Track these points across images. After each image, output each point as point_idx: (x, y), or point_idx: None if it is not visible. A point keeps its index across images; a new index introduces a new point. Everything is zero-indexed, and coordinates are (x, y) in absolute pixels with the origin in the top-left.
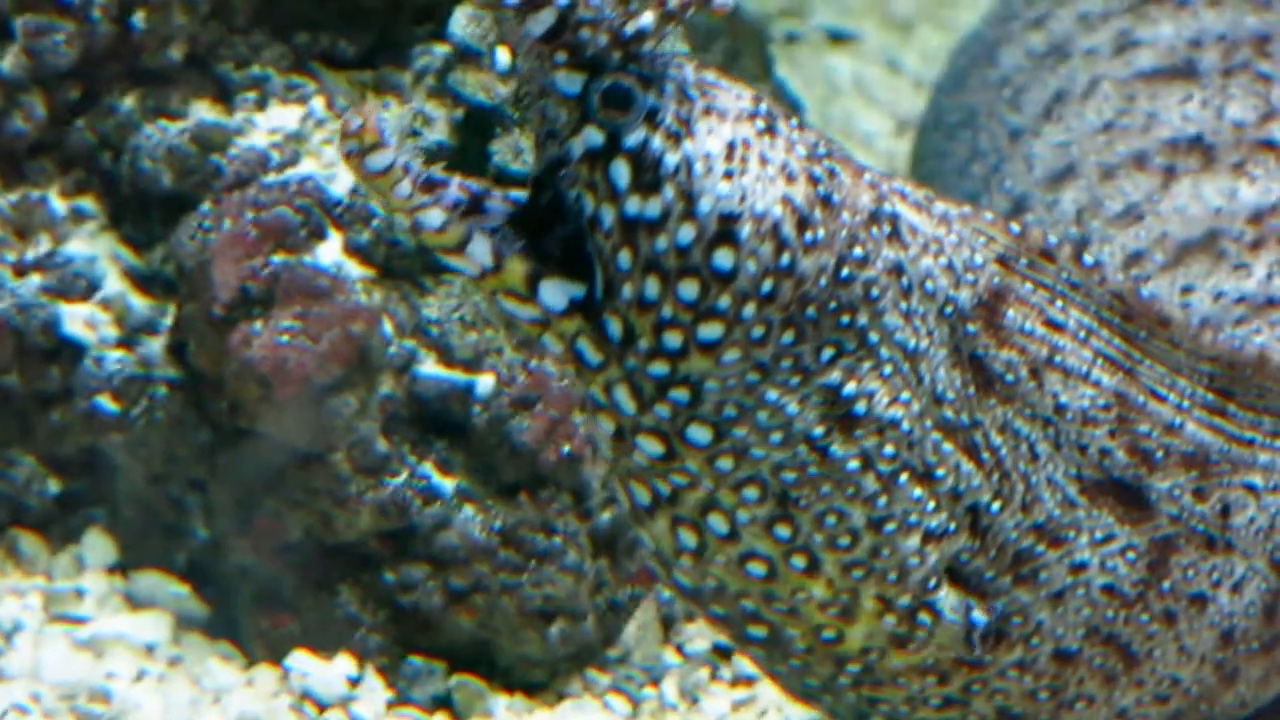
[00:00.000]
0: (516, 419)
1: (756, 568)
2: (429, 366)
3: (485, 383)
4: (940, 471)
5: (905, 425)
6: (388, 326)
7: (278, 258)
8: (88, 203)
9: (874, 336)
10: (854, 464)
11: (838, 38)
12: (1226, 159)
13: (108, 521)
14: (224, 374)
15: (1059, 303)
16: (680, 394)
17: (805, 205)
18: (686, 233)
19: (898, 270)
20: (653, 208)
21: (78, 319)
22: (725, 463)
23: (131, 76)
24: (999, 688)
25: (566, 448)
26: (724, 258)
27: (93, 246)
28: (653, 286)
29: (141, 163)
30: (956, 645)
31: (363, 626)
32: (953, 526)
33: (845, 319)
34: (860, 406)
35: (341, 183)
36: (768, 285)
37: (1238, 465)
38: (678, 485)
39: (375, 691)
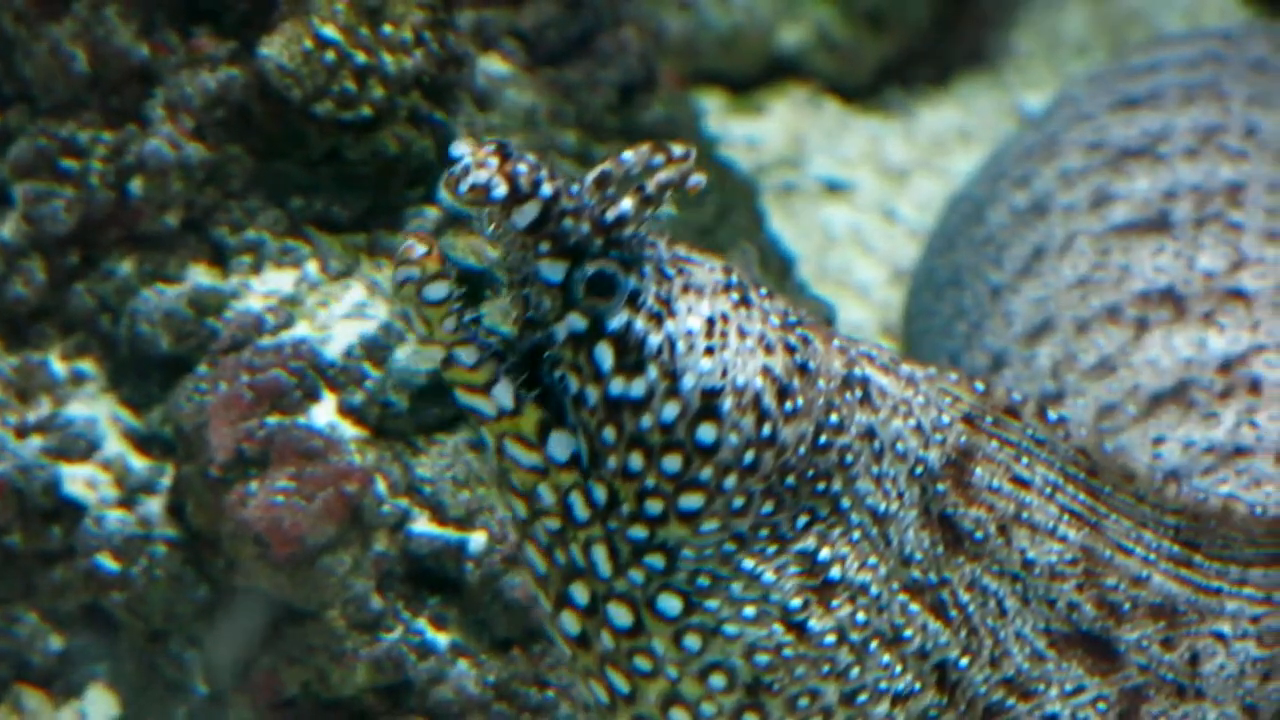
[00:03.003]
0: (508, 575)
1: None
2: (422, 524)
3: (477, 540)
4: (908, 632)
5: (874, 590)
6: (381, 486)
7: (272, 419)
8: (87, 365)
9: (846, 502)
10: (830, 638)
11: (834, 188)
12: (1197, 309)
13: (109, 677)
14: (221, 533)
15: (1025, 459)
16: (655, 559)
17: (784, 375)
18: (670, 410)
19: (870, 434)
20: (637, 388)
21: (78, 479)
22: (693, 641)
23: (129, 241)
24: None
25: None
26: (707, 432)
27: (93, 408)
28: (637, 460)
29: (140, 326)
30: None
31: None
32: (918, 686)
33: (821, 486)
34: (835, 572)
35: (335, 345)
36: (749, 456)
37: (1205, 614)
38: (640, 672)
39: None
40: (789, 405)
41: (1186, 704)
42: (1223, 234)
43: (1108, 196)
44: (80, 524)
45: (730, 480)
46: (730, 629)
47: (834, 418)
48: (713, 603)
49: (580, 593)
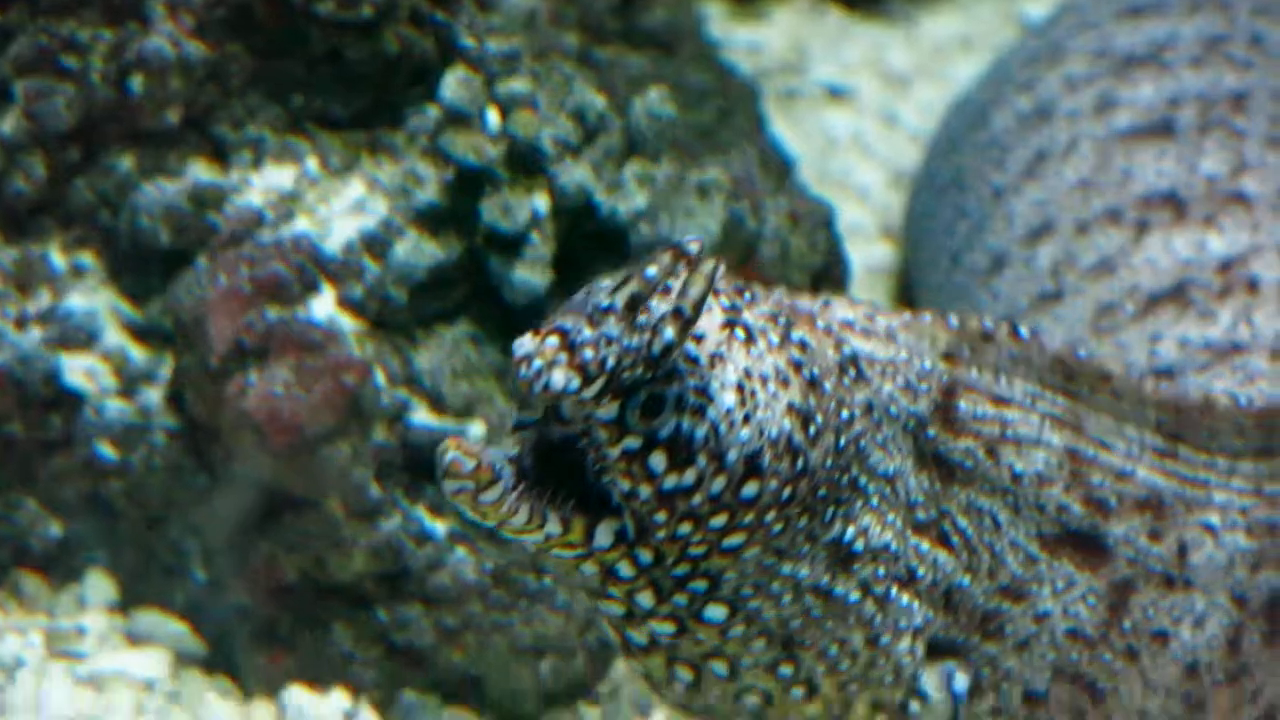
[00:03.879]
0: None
1: (753, 700)
2: (421, 415)
3: (476, 430)
4: (921, 571)
5: (893, 545)
6: (380, 377)
7: (272, 312)
8: (87, 258)
9: (863, 480)
10: (855, 595)
11: (835, 93)
12: (1197, 211)
13: (108, 563)
14: (220, 423)
15: (1003, 378)
16: (699, 585)
17: (803, 402)
18: (718, 484)
19: (869, 408)
20: (688, 478)
21: (78, 370)
22: (737, 630)
23: (130, 137)
24: None
25: None
26: (751, 489)
27: (92, 300)
28: (685, 529)
29: (140, 220)
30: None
31: (357, 663)
32: (932, 615)
33: (844, 479)
34: (859, 545)
35: (335, 239)
36: (787, 492)
37: (1193, 506)
38: (683, 653)
39: None
40: (812, 430)
41: (1175, 594)
42: (1226, 139)
43: (1112, 102)
44: (80, 413)
45: (770, 516)
46: (769, 614)
47: (845, 413)
48: (755, 603)
49: (619, 610)
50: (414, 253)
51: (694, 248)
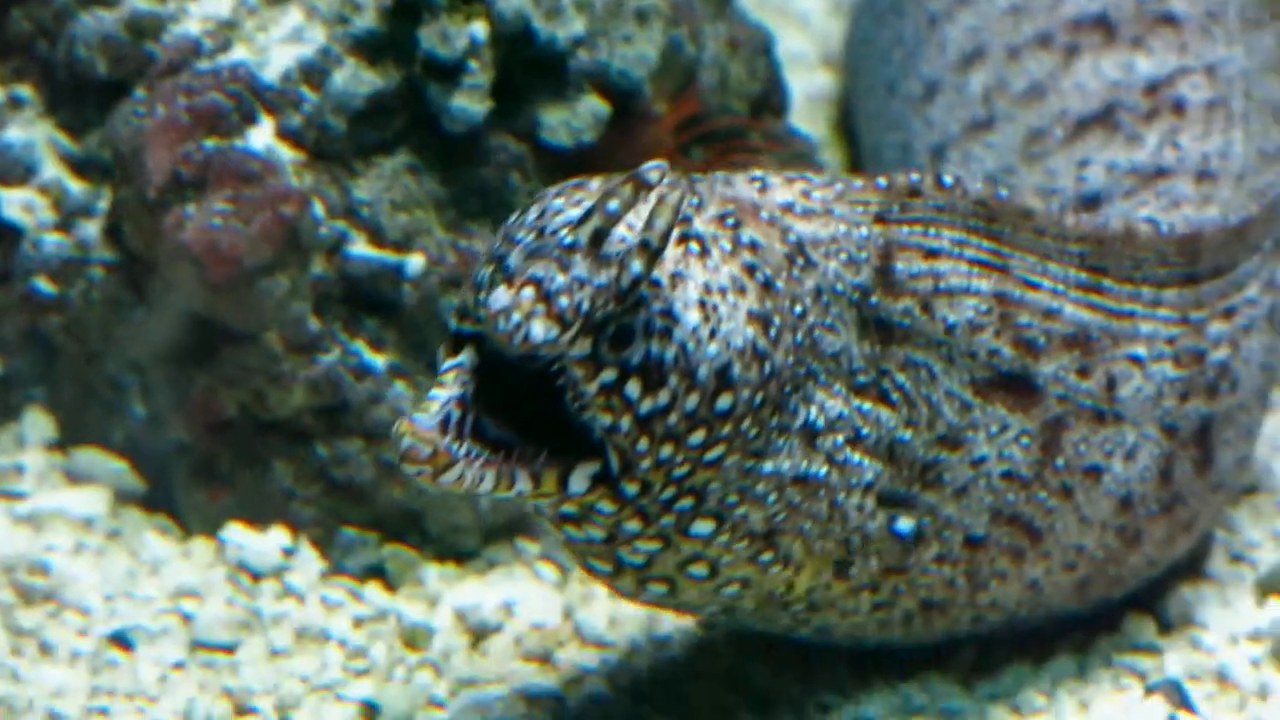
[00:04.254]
0: (446, 297)
1: (732, 588)
2: (360, 247)
3: (415, 262)
4: (866, 430)
5: (845, 413)
6: (318, 208)
7: (210, 142)
8: (25, 90)
9: (816, 365)
10: (823, 470)
11: None
12: (1126, 33)
13: (47, 400)
14: (158, 256)
15: (931, 230)
16: (686, 502)
17: (760, 307)
18: (692, 401)
19: (818, 294)
20: (662, 399)
21: (15, 204)
22: (722, 538)
23: None
24: (921, 583)
25: None
26: (725, 401)
27: (29, 132)
28: (667, 451)
29: (77, 50)
30: (893, 558)
31: (296, 499)
32: (881, 468)
33: (803, 370)
34: (820, 422)
35: (273, 68)
36: (759, 397)
37: (1119, 339)
38: (661, 565)
39: (309, 562)
40: (773, 332)
41: (1106, 429)
42: None
43: None
44: (18, 248)
45: (746, 423)
46: (755, 515)
47: (798, 308)
48: (741, 509)
49: (597, 534)
50: (352, 81)
51: (654, 176)
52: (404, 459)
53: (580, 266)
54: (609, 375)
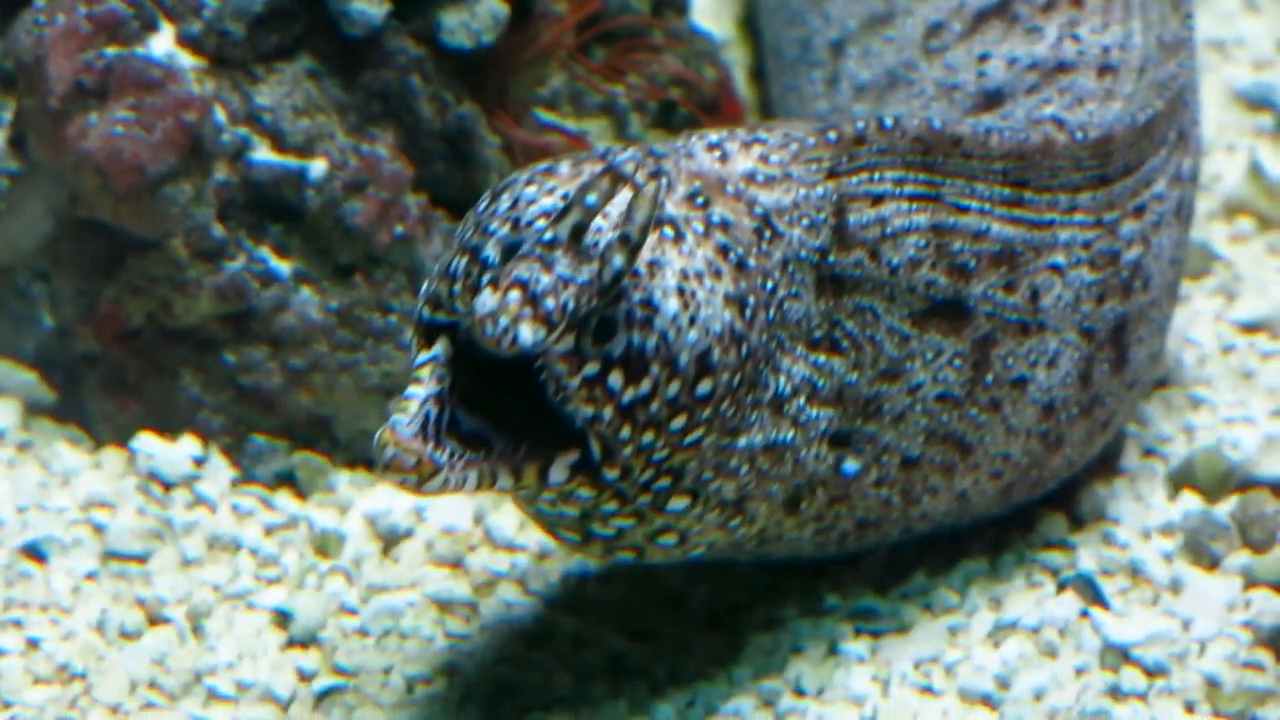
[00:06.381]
0: (349, 202)
1: (699, 551)
2: (262, 153)
3: (318, 167)
4: (821, 382)
5: (806, 375)
6: (220, 114)
7: (111, 50)
8: None
9: (782, 334)
10: (790, 434)
11: None
12: None
13: None
14: (62, 165)
15: (875, 175)
16: (663, 483)
17: (735, 289)
18: (674, 388)
19: (784, 265)
20: (644, 387)
21: None
22: (696, 511)
23: None
24: (859, 505)
25: (399, 229)
26: (705, 386)
27: None
28: (648, 437)
29: None
30: (839, 490)
31: (205, 408)
32: (832, 413)
33: (774, 345)
34: (786, 389)
35: None
36: (737, 379)
37: (1041, 249)
38: (632, 534)
39: (220, 470)
40: (748, 313)
41: (1030, 339)
42: None
43: None
44: None
45: (725, 404)
46: (728, 488)
47: (768, 284)
48: (716, 484)
49: (572, 511)
50: None
51: (629, 169)
52: (388, 469)
53: (563, 264)
54: (592, 368)
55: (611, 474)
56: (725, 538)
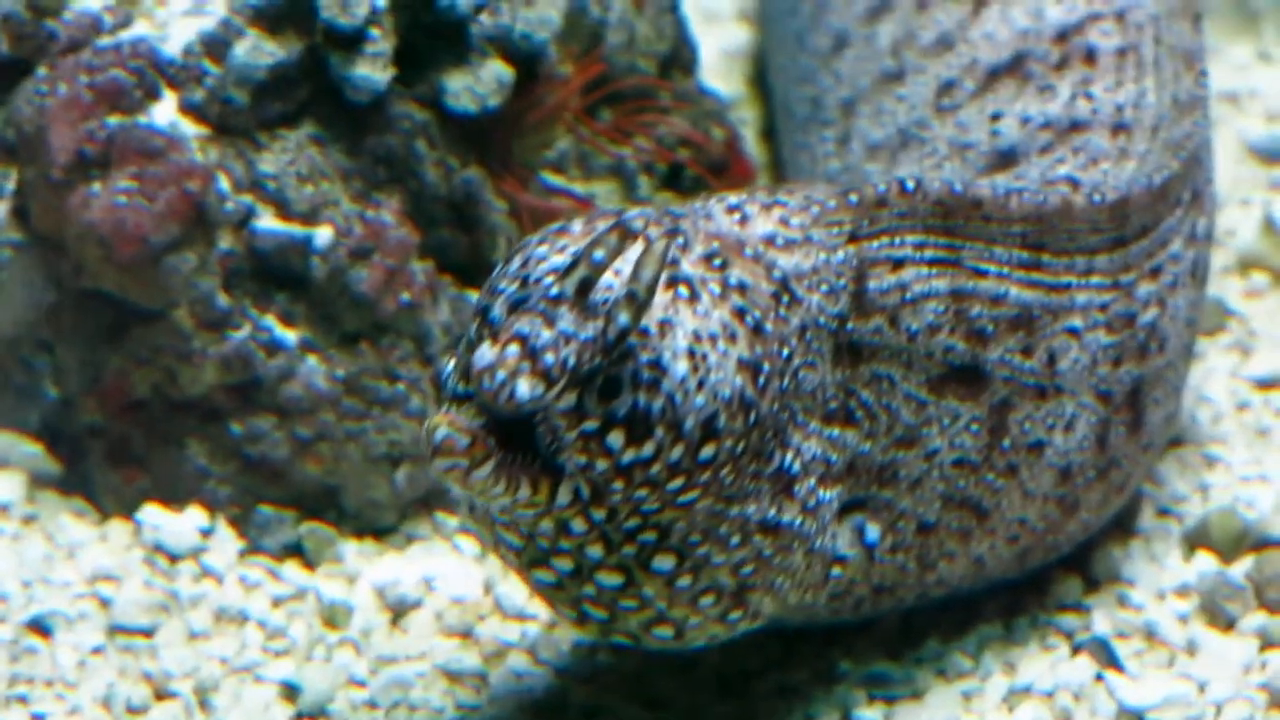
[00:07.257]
0: (355, 269)
1: (699, 644)
2: (267, 221)
3: (323, 235)
4: (833, 456)
5: (818, 450)
6: (224, 183)
7: (113, 119)
8: None
9: (795, 405)
10: (799, 520)
11: None
12: None
13: None
14: (65, 236)
15: (896, 239)
16: (649, 536)
17: (750, 354)
18: (676, 453)
19: (802, 332)
20: (647, 450)
21: None
22: (684, 581)
23: None
24: (876, 573)
25: (405, 296)
26: (708, 451)
27: None
28: (642, 493)
29: None
30: (863, 570)
31: (212, 478)
32: (843, 489)
33: (785, 415)
34: (796, 467)
35: (174, 43)
36: (741, 446)
37: (1058, 313)
38: (625, 609)
39: (227, 541)
40: (761, 380)
41: (1047, 403)
42: None
43: None
44: None
45: (725, 470)
46: (719, 559)
47: (785, 351)
48: (704, 550)
49: (565, 566)
50: (254, 53)
51: (639, 224)
52: (438, 452)
53: (566, 320)
54: (591, 425)
55: (598, 514)
56: (725, 631)
